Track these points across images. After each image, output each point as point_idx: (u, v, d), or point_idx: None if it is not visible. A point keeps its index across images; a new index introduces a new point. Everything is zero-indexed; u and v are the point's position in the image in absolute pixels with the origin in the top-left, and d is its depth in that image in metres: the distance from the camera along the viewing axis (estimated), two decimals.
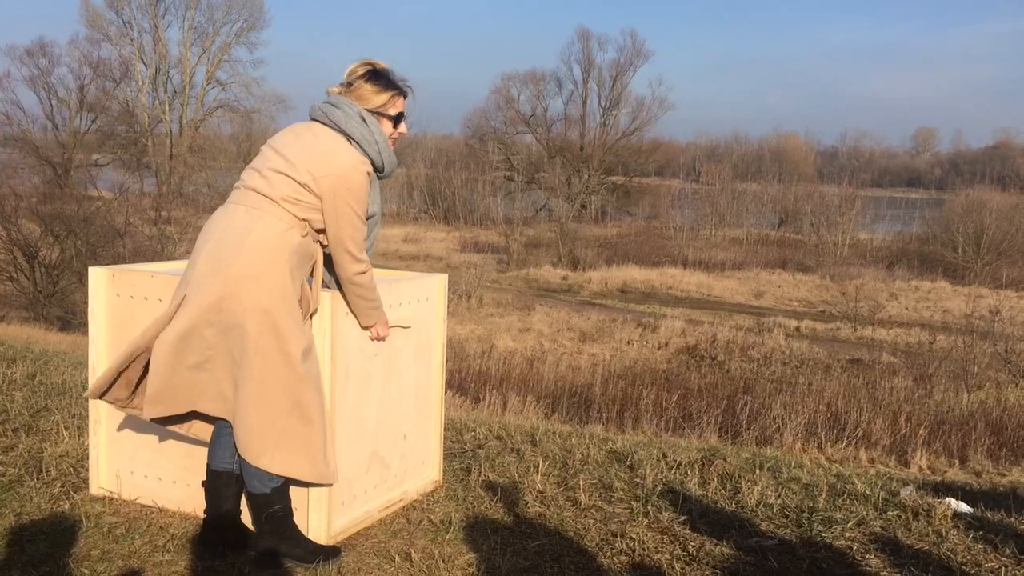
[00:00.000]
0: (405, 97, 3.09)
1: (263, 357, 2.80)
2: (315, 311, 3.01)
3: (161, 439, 3.37)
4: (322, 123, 2.95)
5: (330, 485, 3.07)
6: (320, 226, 2.92)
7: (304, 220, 2.88)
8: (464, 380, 15.12)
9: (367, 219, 2.98)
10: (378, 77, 3.02)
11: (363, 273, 2.99)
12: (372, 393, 3.33)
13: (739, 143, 76.54)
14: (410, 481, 3.64)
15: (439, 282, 3.72)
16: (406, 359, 3.52)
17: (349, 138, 2.94)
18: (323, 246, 3.00)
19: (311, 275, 3.02)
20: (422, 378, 3.65)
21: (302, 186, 2.84)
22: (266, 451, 2.85)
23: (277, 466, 2.88)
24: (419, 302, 3.57)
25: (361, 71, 3.02)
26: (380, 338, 3.26)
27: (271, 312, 2.80)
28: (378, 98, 3.01)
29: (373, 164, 2.98)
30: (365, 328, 3.20)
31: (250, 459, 2.86)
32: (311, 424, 2.90)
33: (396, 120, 3.07)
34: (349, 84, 3.01)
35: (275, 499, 2.96)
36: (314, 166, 2.85)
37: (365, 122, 2.96)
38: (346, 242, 2.91)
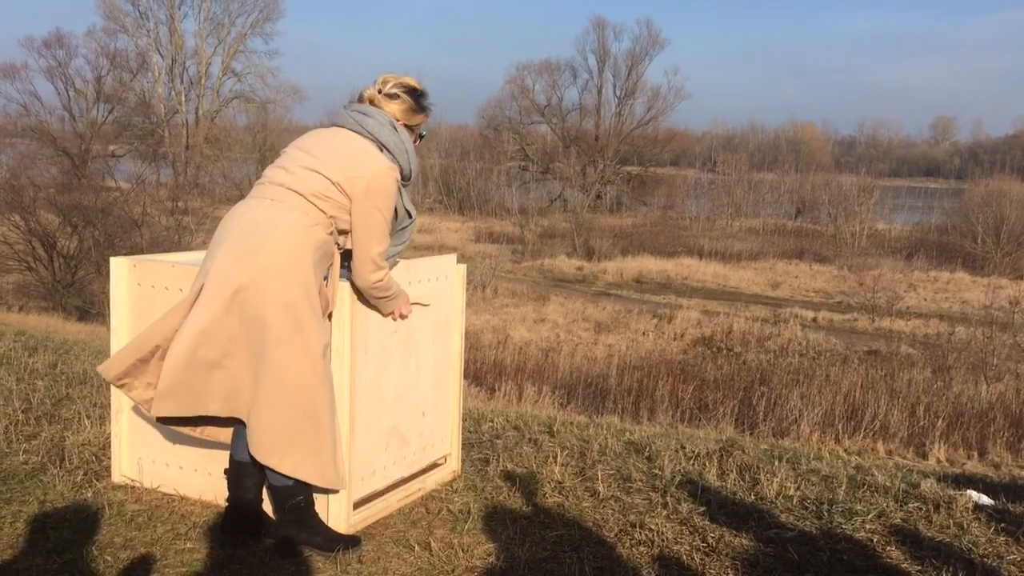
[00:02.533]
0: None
1: (285, 351, 2.80)
2: (331, 312, 3.02)
3: (182, 428, 3.39)
4: (351, 130, 2.98)
5: (336, 492, 3.07)
6: (344, 226, 2.92)
7: (331, 218, 2.88)
8: (480, 371, 15.15)
9: (406, 219, 3.05)
10: (422, 97, 3.11)
11: (381, 280, 3.01)
12: (391, 369, 3.34)
13: (755, 132, 76.26)
14: (429, 458, 3.65)
15: (455, 261, 3.73)
16: (425, 336, 3.52)
17: (382, 146, 2.98)
18: (339, 247, 3.01)
19: (327, 275, 3.03)
20: (441, 356, 3.65)
21: (334, 184, 2.86)
22: (276, 451, 2.85)
23: (287, 467, 2.87)
24: (437, 280, 3.58)
25: (407, 86, 3.08)
26: (402, 316, 3.27)
27: (294, 306, 2.81)
28: (417, 116, 3.11)
29: (401, 171, 3.02)
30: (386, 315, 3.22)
31: (261, 457, 2.85)
32: (322, 426, 2.90)
33: (420, 138, 3.19)
34: (391, 95, 3.05)
35: (297, 490, 2.97)
36: (347, 167, 2.87)
37: (396, 130, 3.02)
38: (372, 248, 2.92)
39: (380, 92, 3.05)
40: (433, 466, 3.73)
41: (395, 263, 3.20)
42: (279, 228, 2.81)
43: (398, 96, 3.05)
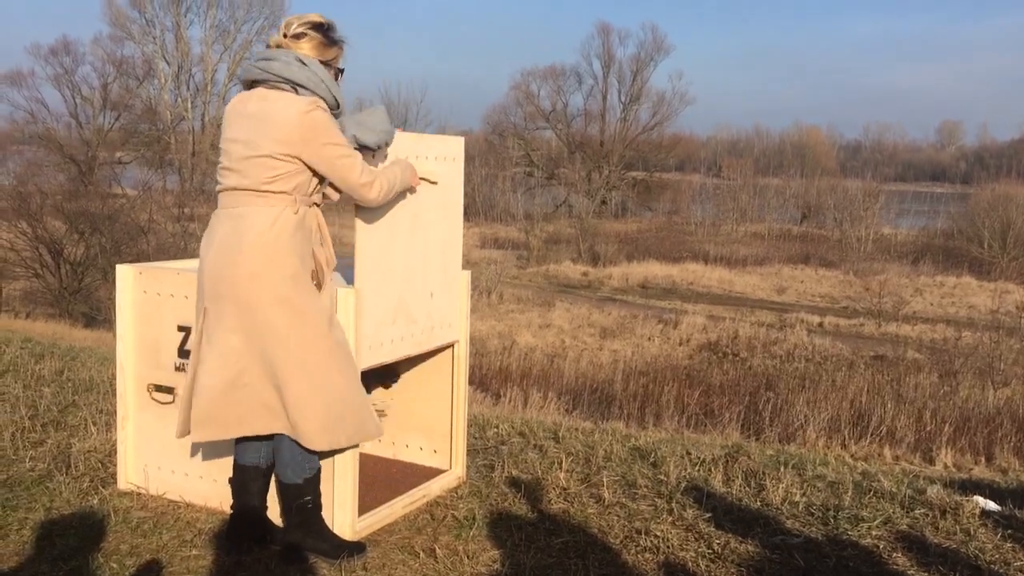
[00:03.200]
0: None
1: (296, 343, 2.83)
2: (333, 269, 3.02)
3: None
4: (260, 82, 2.89)
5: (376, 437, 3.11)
6: (309, 188, 2.89)
7: (292, 192, 2.84)
8: (485, 376, 15.14)
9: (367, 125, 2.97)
10: (330, 30, 2.98)
11: (381, 189, 2.96)
12: (398, 242, 3.31)
13: (760, 137, 76.23)
14: (437, 341, 3.62)
15: (462, 143, 3.68)
16: (432, 216, 3.48)
17: (295, 86, 2.86)
18: (318, 205, 2.97)
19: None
20: (447, 237, 3.61)
21: (273, 157, 2.79)
22: (328, 433, 2.89)
23: (343, 441, 2.94)
24: (444, 159, 3.53)
25: (311, 22, 2.95)
26: (410, 190, 3.24)
27: (289, 300, 2.83)
28: (330, 51, 2.97)
29: (325, 102, 2.91)
30: None
31: (316, 446, 2.89)
32: (353, 387, 2.95)
33: (340, 73, 3.04)
34: (297, 36, 2.93)
35: (306, 490, 2.98)
36: (273, 131, 2.79)
37: (305, 64, 2.88)
38: (351, 176, 2.87)
39: (286, 36, 2.93)
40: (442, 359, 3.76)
41: (384, 153, 3.09)
42: (249, 233, 2.81)
43: (305, 35, 2.93)
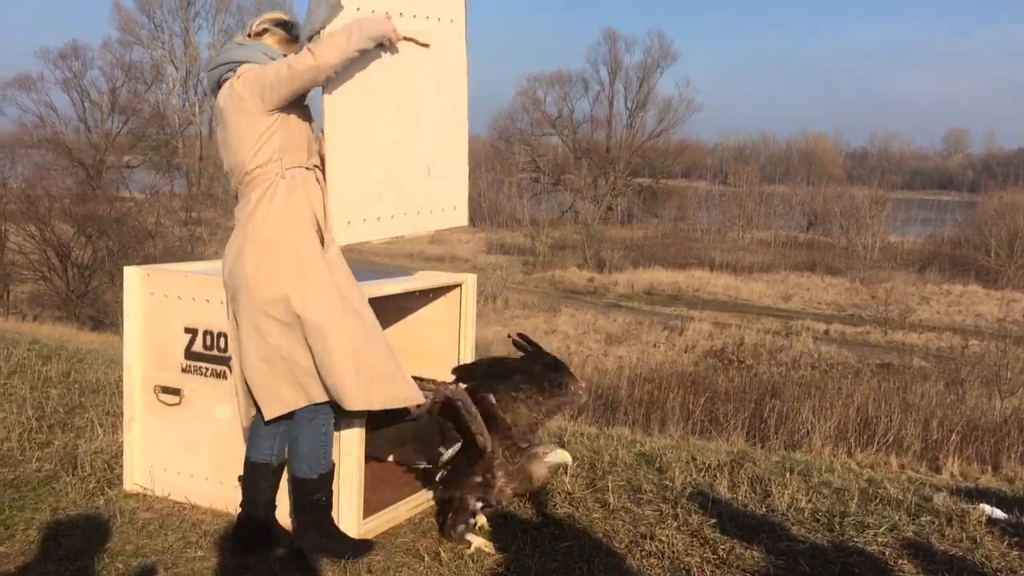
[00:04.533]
0: None
1: (314, 301, 2.84)
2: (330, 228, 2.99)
3: (194, 437, 3.41)
4: (215, 85, 2.94)
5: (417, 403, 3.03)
6: (294, 143, 2.88)
7: (280, 155, 2.85)
8: None
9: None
10: (292, 28, 3.03)
11: (316, 52, 2.74)
12: (380, 106, 3.03)
13: (767, 144, 75.89)
14: (440, 223, 3.38)
15: (461, 4, 3.31)
16: (425, 83, 3.17)
17: (237, 66, 2.89)
18: (319, 167, 2.96)
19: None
20: (448, 112, 3.30)
21: (247, 126, 2.82)
22: (358, 387, 2.87)
23: (376, 401, 2.92)
24: (439, 20, 3.18)
25: (274, 19, 3.03)
26: (388, 41, 2.94)
27: (297, 263, 2.85)
28: (293, 46, 3.01)
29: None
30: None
31: (350, 404, 2.87)
32: (379, 348, 2.93)
33: None
34: (259, 33, 3.01)
35: (320, 486, 2.99)
36: (228, 105, 2.85)
37: (243, 44, 2.95)
38: (281, 71, 2.77)
39: (249, 36, 3.01)
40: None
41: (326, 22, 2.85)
42: (250, 219, 2.86)
43: (267, 30, 3.01)
